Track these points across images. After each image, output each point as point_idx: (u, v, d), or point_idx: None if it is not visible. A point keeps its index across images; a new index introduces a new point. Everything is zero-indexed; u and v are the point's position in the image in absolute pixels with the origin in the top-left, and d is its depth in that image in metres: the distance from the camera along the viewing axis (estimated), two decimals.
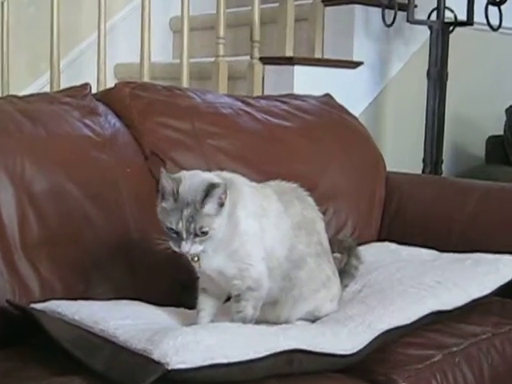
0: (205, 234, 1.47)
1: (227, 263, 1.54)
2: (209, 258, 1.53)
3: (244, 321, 1.53)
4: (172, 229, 1.47)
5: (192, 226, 1.45)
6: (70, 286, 1.71)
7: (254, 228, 1.56)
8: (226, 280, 1.56)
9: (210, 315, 1.59)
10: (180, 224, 1.46)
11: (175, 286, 1.82)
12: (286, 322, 1.62)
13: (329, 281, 1.70)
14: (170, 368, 1.27)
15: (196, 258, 1.53)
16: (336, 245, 1.93)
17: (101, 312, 1.51)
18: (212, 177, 1.52)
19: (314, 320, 1.65)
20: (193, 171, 1.56)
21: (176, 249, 1.49)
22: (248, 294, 1.55)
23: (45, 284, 1.68)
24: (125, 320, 1.47)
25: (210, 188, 1.46)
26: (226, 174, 1.59)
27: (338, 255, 1.96)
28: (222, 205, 1.48)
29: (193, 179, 1.50)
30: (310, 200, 1.74)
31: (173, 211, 1.47)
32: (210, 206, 1.46)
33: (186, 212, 1.45)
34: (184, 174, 1.52)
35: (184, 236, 1.46)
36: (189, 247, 1.47)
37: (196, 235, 1.46)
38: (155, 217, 1.87)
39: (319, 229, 1.71)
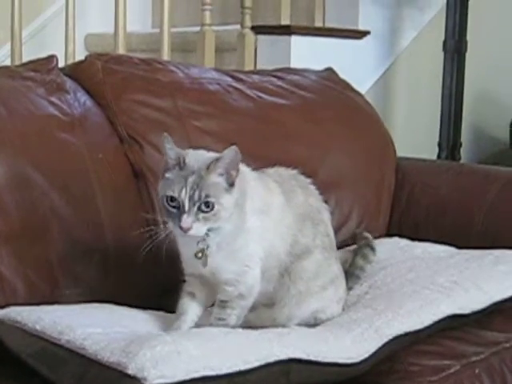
0: (209, 207, 1.47)
1: (226, 264, 1.55)
2: (211, 255, 1.54)
3: (221, 327, 1.54)
4: (173, 198, 1.47)
5: (196, 193, 1.46)
6: (35, 287, 1.71)
7: (256, 226, 1.58)
8: (217, 283, 1.57)
9: (192, 321, 1.60)
10: (183, 191, 1.46)
11: (154, 288, 1.83)
12: (285, 324, 1.63)
13: (337, 279, 1.72)
14: None
15: (200, 254, 1.53)
16: (351, 238, 1.95)
17: (66, 319, 1.51)
18: None
19: (314, 324, 1.66)
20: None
21: (175, 229, 1.48)
22: (236, 302, 1.57)
23: (5, 284, 1.68)
24: (95, 328, 1.47)
25: (218, 157, 1.49)
26: None
27: (350, 249, 1.98)
28: (232, 184, 1.50)
29: (199, 153, 1.54)
30: (312, 188, 1.75)
31: (176, 179, 1.48)
32: (217, 176, 1.48)
33: (190, 179, 1.47)
34: (189, 150, 1.55)
35: (186, 206, 1.46)
36: (190, 222, 1.46)
37: (200, 210, 1.46)
38: (132, 209, 1.88)
39: (326, 219, 1.74)
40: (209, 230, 1.49)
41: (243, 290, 1.57)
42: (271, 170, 1.73)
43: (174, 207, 1.48)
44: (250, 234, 1.57)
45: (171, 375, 1.28)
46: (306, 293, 1.65)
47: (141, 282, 1.84)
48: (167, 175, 1.50)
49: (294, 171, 1.75)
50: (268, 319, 1.63)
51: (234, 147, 1.49)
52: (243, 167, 1.59)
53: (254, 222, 1.57)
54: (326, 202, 1.78)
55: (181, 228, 1.47)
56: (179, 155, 1.50)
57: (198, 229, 1.47)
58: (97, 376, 1.33)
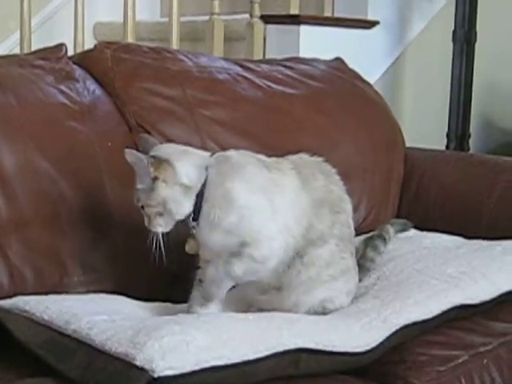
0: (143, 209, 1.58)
1: (228, 239, 1.56)
2: (205, 236, 1.58)
3: (224, 276, 1.57)
4: None
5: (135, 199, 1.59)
6: (44, 275, 1.71)
7: (258, 203, 1.58)
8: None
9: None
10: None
11: (164, 276, 1.83)
12: (292, 310, 1.62)
13: (348, 272, 1.71)
14: (156, 375, 1.25)
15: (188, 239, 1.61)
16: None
17: (73, 308, 1.50)
18: (164, 152, 1.60)
19: (322, 313, 1.64)
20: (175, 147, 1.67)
21: None
22: (247, 259, 1.56)
23: (14, 272, 1.68)
24: (100, 315, 1.46)
25: (138, 161, 1.56)
26: (228, 153, 1.64)
27: (360, 239, 1.98)
28: (155, 178, 1.54)
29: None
30: (337, 178, 1.74)
31: None
32: (140, 180, 1.57)
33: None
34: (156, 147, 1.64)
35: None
36: (147, 223, 1.58)
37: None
38: None
39: (348, 210, 1.73)
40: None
41: (256, 255, 1.56)
42: (294, 156, 1.72)
43: None
44: (247, 210, 1.56)
45: (180, 366, 1.28)
46: (316, 280, 1.64)
47: (149, 269, 1.84)
48: None
49: (320, 159, 1.74)
50: (277, 303, 1.62)
51: (146, 158, 1.56)
52: (241, 157, 1.64)
53: (253, 200, 1.58)
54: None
55: None
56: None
57: (154, 227, 1.58)
58: (104, 367, 1.32)
